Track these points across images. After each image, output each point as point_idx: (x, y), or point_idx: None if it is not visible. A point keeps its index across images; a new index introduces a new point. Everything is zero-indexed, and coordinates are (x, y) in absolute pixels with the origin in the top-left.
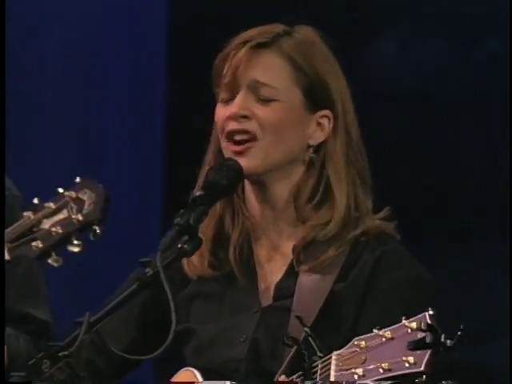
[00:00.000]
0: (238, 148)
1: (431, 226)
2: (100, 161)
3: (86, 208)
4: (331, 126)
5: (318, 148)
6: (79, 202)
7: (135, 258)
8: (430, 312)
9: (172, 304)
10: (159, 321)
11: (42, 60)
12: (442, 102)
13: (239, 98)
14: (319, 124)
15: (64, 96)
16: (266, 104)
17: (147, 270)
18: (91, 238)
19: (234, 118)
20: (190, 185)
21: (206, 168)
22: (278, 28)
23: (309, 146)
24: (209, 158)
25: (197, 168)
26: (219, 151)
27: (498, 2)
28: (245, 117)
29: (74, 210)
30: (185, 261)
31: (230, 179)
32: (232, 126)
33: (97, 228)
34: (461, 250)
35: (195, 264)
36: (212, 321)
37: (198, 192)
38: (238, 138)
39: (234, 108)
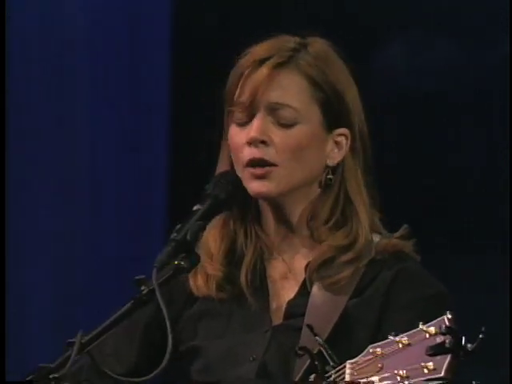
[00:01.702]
0: (257, 171)
1: (432, 229)
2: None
3: None
4: (349, 144)
5: (335, 168)
6: None
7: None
8: (449, 315)
9: (168, 323)
10: (163, 341)
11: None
12: (450, 104)
13: (258, 121)
14: (336, 143)
15: (65, 96)
16: (285, 129)
17: (142, 287)
18: None
19: (252, 143)
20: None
21: None
22: (292, 42)
23: (327, 167)
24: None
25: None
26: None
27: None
28: (263, 142)
29: None
30: (191, 281)
31: (228, 193)
32: (251, 153)
33: None
34: (460, 253)
35: (199, 285)
36: (220, 339)
37: (195, 206)
38: (257, 167)
39: (253, 132)
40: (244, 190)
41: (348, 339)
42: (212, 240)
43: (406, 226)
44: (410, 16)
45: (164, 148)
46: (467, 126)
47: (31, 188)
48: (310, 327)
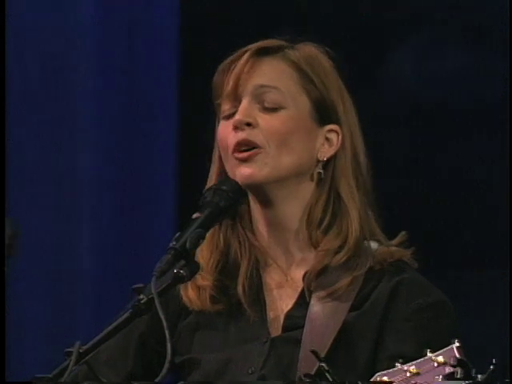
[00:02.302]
0: (242, 154)
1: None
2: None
3: None
4: (340, 140)
5: (326, 164)
6: None
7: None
8: (457, 344)
9: (167, 332)
10: (159, 351)
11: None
12: (460, 114)
13: (243, 105)
14: (327, 139)
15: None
16: (271, 112)
17: (141, 296)
18: None
19: (238, 126)
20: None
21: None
22: (281, 42)
23: (317, 161)
24: (212, 179)
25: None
26: (222, 172)
27: None
28: (249, 124)
29: None
30: (183, 293)
31: (228, 200)
32: (236, 137)
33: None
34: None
35: (191, 298)
36: (217, 351)
37: (195, 214)
38: (243, 148)
39: (237, 115)
40: (244, 197)
41: (348, 352)
42: (201, 250)
43: (403, 232)
44: (420, 22)
45: (172, 153)
46: (474, 135)
47: (27, 195)
48: (314, 353)
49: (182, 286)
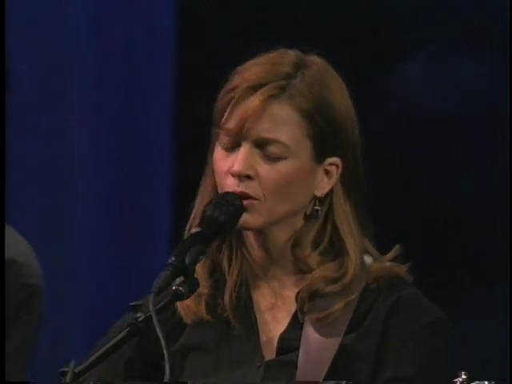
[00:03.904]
0: None
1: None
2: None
3: None
4: (339, 173)
5: (323, 198)
6: None
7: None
8: (464, 376)
9: (166, 351)
10: (149, 375)
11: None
12: (472, 126)
13: (243, 153)
14: (326, 172)
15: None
16: (272, 162)
17: (138, 314)
18: None
19: (236, 176)
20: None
21: (200, 201)
22: (287, 65)
23: (314, 197)
24: (206, 192)
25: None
26: (216, 186)
27: None
28: (247, 176)
29: None
30: (179, 304)
31: (229, 215)
32: (232, 185)
33: None
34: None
35: (190, 307)
36: (209, 375)
37: (194, 229)
38: None
39: (236, 166)
40: None
41: (347, 375)
42: None
43: (397, 246)
44: (431, 31)
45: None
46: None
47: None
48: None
49: None
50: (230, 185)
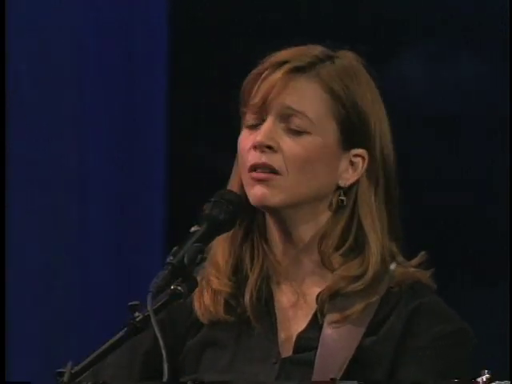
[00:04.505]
0: (258, 174)
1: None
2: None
3: None
4: (365, 166)
5: (348, 190)
6: None
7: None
8: (487, 375)
9: (164, 352)
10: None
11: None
12: (472, 125)
13: (267, 125)
14: (352, 163)
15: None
16: (295, 136)
17: (136, 314)
18: None
19: (258, 147)
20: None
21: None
22: (318, 50)
23: (338, 187)
24: (235, 182)
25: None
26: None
27: None
28: (270, 147)
29: None
30: (196, 302)
31: (229, 213)
32: (255, 158)
33: None
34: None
35: (207, 305)
36: (224, 372)
37: (193, 227)
38: (258, 172)
39: (259, 136)
40: (247, 208)
41: (363, 379)
42: (221, 253)
43: (423, 253)
44: (431, 31)
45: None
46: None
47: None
48: (333, 380)
49: (196, 294)
50: (253, 158)
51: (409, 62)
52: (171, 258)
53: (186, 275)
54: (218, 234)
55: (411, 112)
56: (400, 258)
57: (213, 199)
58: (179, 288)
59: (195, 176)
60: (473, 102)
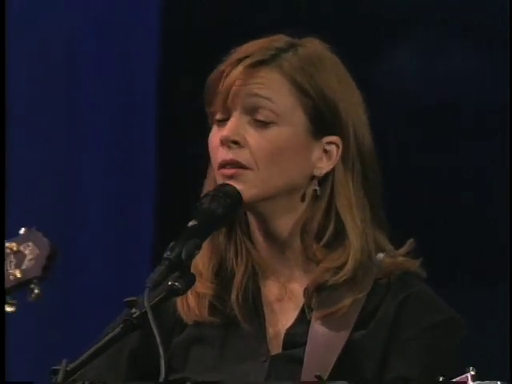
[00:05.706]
0: (228, 171)
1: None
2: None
3: (26, 263)
4: (340, 153)
5: (323, 179)
6: (20, 255)
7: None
8: (472, 372)
9: (161, 348)
10: (151, 368)
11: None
12: (467, 115)
13: (233, 119)
14: (326, 151)
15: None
16: (262, 129)
17: (133, 310)
18: (29, 297)
19: (225, 142)
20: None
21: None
22: (281, 41)
23: (313, 177)
24: (207, 188)
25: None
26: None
27: None
28: (236, 143)
29: (13, 265)
30: (179, 304)
31: (227, 207)
32: (222, 155)
33: (35, 287)
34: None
35: (192, 308)
36: (213, 370)
37: (190, 222)
38: (228, 168)
39: (225, 131)
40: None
41: (353, 373)
42: (200, 256)
43: (411, 240)
44: (431, 30)
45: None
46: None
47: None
48: (319, 378)
49: (179, 297)
50: (221, 155)
51: (409, 62)
52: (168, 253)
53: (184, 271)
54: (216, 229)
55: (411, 111)
56: (389, 247)
57: (211, 193)
58: (176, 284)
59: (195, 176)
60: (472, 101)
